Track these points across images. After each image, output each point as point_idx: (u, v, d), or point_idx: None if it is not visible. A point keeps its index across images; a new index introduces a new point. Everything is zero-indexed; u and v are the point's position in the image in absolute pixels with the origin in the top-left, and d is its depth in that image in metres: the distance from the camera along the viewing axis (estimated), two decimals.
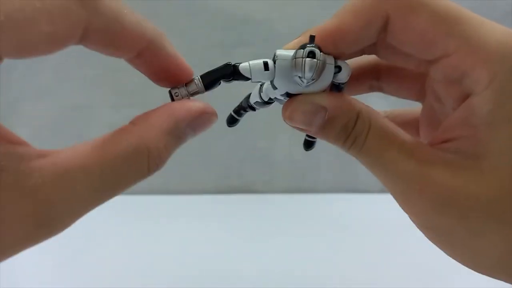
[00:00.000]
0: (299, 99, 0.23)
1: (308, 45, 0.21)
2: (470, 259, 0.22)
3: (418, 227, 0.24)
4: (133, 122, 0.21)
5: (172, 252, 0.52)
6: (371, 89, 0.30)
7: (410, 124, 0.30)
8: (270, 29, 0.59)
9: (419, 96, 0.28)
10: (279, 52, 0.22)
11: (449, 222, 0.21)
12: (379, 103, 0.30)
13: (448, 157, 0.22)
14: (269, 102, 0.25)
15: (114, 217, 0.44)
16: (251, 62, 0.22)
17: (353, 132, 0.22)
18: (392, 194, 0.23)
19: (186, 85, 0.23)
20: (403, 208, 0.23)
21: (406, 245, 0.48)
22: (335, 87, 0.23)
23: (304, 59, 0.21)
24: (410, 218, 0.24)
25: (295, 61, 0.21)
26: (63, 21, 0.19)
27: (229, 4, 0.58)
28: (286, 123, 0.24)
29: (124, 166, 0.20)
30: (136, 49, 0.22)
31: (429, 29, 0.22)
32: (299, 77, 0.21)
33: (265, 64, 0.22)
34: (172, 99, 0.23)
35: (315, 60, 0.21)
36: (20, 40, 0.18)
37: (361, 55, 0.24)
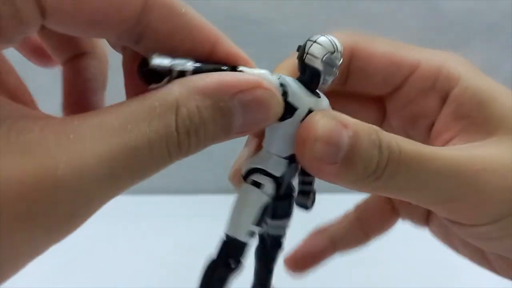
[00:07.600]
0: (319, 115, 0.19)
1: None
2: None
3: (467, 234, 0.22)
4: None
5: (172, 252, 0.52)
6: None
7: None
8: (270, 29, 0.59)
9: None
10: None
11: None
12: None
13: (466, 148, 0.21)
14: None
15: (114, 217, 0.43)
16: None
17: (383, 147, 0.18)
18: (439, 206, 0.21)
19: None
20: (449, 216, 0.21)
21: (405, 245, 0.48)
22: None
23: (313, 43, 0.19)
24: (458, 228, 0.22)
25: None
26: None
27: (228, 4, 0.58)
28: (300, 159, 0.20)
29: (146, 119, 0.15)
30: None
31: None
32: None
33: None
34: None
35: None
36: None
37: None
